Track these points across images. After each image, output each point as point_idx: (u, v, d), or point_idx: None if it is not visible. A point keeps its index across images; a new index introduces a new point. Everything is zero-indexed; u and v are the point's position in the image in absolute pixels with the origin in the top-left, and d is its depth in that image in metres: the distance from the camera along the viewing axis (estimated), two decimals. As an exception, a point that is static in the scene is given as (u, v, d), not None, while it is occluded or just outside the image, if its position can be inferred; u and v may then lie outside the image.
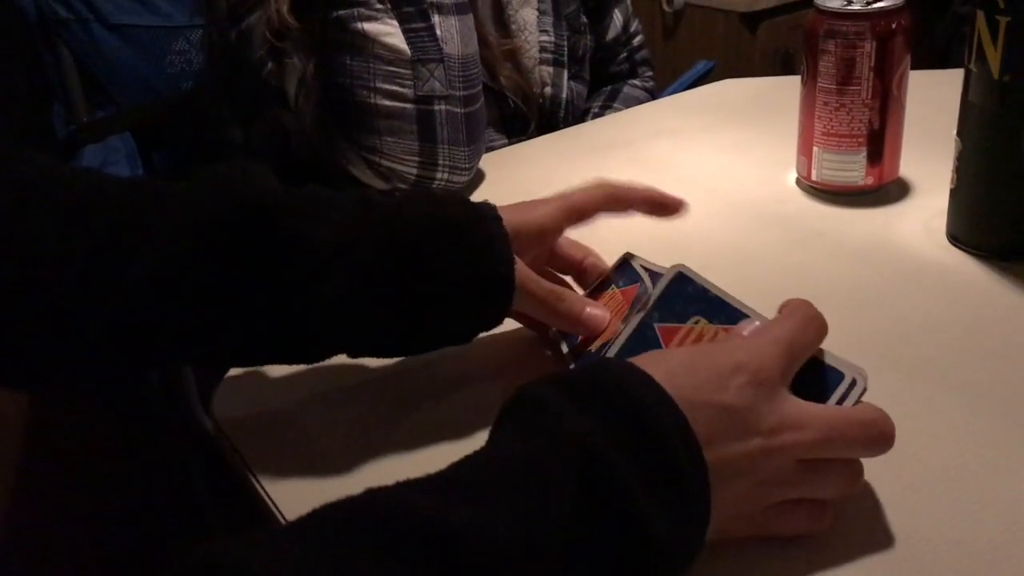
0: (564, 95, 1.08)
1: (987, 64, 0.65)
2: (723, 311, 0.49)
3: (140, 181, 0.51)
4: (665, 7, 2.53)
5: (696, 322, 0.50)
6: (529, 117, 1.06)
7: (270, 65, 0.90)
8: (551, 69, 1.06)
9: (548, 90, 1.06)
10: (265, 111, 0.96)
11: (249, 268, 0.49)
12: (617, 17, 1.18)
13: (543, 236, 0.58)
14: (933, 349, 0.61)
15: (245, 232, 0.49)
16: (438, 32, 0.84)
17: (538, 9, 1.05)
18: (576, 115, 1.12)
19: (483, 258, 0.53)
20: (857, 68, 0.75)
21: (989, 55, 0.65)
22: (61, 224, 0.48)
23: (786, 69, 2.39)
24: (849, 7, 0.75)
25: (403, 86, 0.83)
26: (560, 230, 0.59)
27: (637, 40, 1.22)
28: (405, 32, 0.83)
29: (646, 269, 0.58)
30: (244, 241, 0.49)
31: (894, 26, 0.75)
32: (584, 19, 1.13)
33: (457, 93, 0.85)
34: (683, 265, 0.52)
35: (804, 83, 0.80)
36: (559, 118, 1.08)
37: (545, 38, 1.05)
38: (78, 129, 1.01)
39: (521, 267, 0.54)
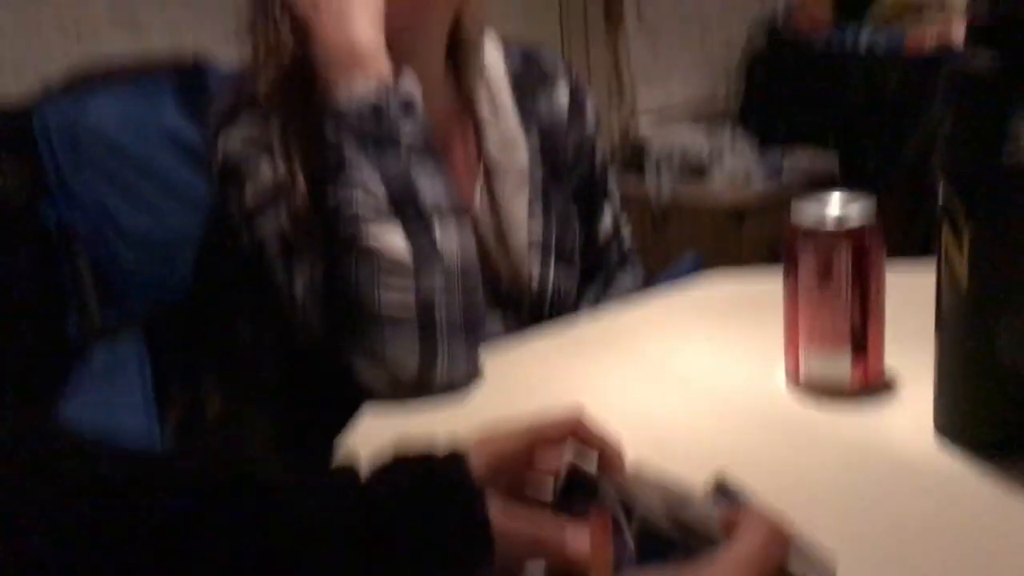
0: (550, 285, 1.11)
1: (955, 272, 0.68)
2: (697, 546, 0.51)
3: (135, 451, 0.55)
4: (653, 205, 2.64)
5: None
6: (521, 300, 1.10)
7: (280, 266, 0.95)
8: (539, 258, 1.10)
9: (536, 275, 1.10)
10: (273, 311, 1.00)
11: (237, 538, 0.51)
12: (607, 212, 1.22)
13: (512, 463, 0.61)
14: (924, 548, 0.62)
15: (234, 503, 0.52)
16: (438, 238, 0.89)
17: (529, 199, 1.10)
18: (565, 305, 1.14)
19: (460, 524, 0.55)
20: (835, 278, 0.79)
21: (955, 264, 0.68)
22: (51, 499, 0.49)
23: (772, 257, 2.45)
24: (823, 224, 0.79)
25: (404, 289, 0.87)
26: (528, 455, 0.61)
27: (626, 233, 1.25)
28: (407, 237, 0.88)
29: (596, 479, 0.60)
30: (232, 512, 0.51)
31: (867, 244, 0.78)
32: (574, 212, 1.17)
33: (456, 296, 0.89)
34: (642, 516, 0.54)
35: (785, 288, 0.83)
36: (545, 307, 1.11)
37: (534, 227, 1.10)
38: (89, 335, 1.04)
39: (497, 516, 0.56)
